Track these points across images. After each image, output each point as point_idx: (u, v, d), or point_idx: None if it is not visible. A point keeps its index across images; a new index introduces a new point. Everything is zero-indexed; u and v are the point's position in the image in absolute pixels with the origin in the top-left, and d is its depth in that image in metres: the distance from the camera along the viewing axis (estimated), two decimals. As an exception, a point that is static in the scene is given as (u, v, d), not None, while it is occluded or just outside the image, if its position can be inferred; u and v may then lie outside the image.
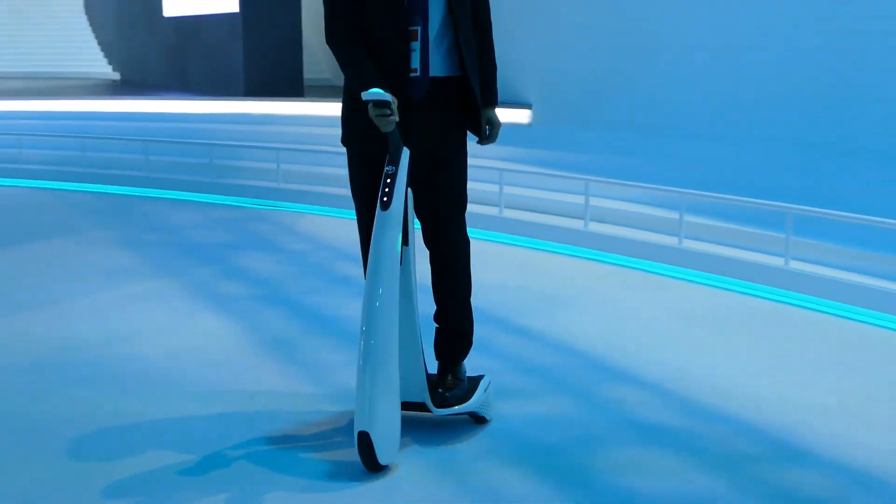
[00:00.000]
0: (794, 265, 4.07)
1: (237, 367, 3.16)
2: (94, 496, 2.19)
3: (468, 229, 2.56)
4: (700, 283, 4.38)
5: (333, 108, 8.93)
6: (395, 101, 2.16)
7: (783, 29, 5.43)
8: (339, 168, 6.23)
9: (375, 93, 2.14)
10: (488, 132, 2.50)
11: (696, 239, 4.65)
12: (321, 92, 10.09)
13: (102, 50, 13.97)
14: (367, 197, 2.35)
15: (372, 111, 2.15)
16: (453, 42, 2.37)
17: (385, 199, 2.22)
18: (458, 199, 2.51)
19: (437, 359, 2.55)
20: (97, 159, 7.78)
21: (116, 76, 13.83)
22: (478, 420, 2.52)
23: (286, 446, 2.50)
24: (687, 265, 4.48)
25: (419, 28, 2.33)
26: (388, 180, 2.23)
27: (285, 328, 3.66)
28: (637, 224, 5.04)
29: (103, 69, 13.69)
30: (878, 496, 2.23)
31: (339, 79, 13.80)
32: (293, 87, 9.71)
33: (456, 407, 2.39)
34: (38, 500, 2.16)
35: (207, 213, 6.38)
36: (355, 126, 2.33)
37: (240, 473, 2.32)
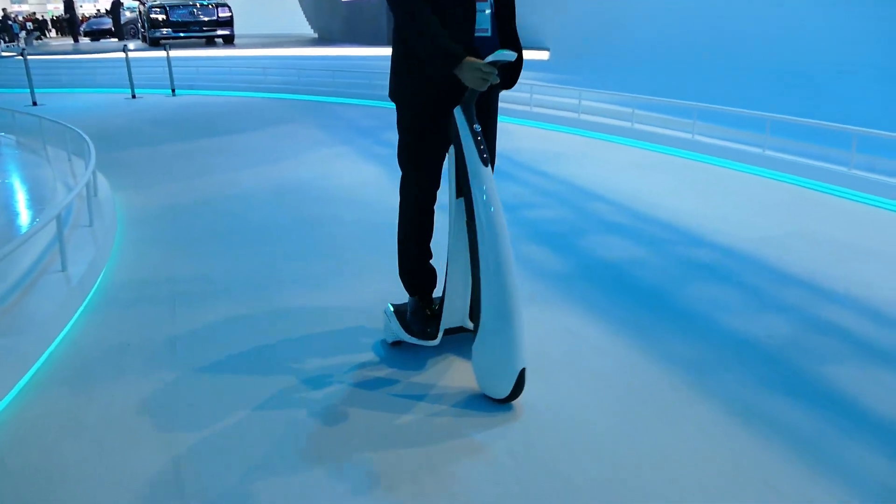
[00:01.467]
0: (698, 138, 6.24)
1: (383, 191, 4.84)
2: (317, 245, 3.94)
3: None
4: (645, 149, 6.40)
5: None
6: None
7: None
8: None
9: (503, 53, 2.06)
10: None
11: (645, 123, 6.92)
12: None
13: (307, 20, 20.02)
14: (435, 147, 2.35)
15: (485, 71, 2.07)
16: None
17: (485, 155, 2.15)
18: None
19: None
20: (306, 80, 10.95)
21: (316, 35, 19.38)
22: None
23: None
24: (638, 138, 6.73)
25: None
26: (480, 138, 2.16)
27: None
28: (609, 115, 7.41)
29: (308, 31, 19.73)
30: (742, 264, 3.50)
31: None
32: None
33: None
34: (293, 242, 4.14)
35: (366, 111, 8.96)
36: (420, 84, 2.27)
37: (383, 240, 3.93)
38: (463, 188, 2.23)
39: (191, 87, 11.54)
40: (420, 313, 2.60)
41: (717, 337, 2.76)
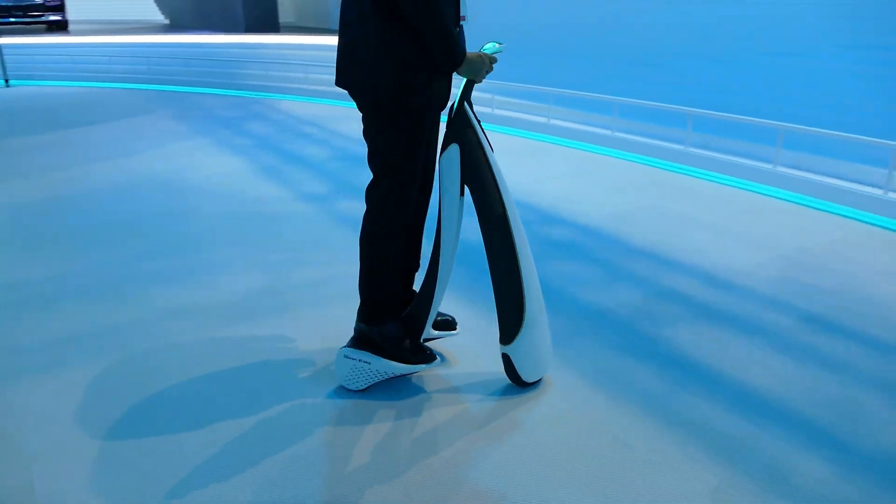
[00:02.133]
0: (554, 121, 6.44)
1: (246, 183, 4.79)
2: (175, 240, 3.81)
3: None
4: (504, 133, 6.45)
5: (300, 39, 12.32)
6: None
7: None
8: (298, 73, 8.85)
9: (495, 46, 2.09)
10: None
11: (504, 109, 7.01)
12: (288, 29, 14.51)
13: (157, 4, 19.15)
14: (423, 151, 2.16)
15: (487, 64, 2.07)
16: None
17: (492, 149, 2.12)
18: None
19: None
20: (158, 69, 10.43)
21: (167, 21, 18.54)
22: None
23: (276, 219, 4.23)
24: (497, 123, 6.75)
25: None
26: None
27: (273, 162, 5.44)
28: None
29: (158, 16, 18.83)
30: (596, 240, 3.74)
31: (301, 20, 17.38)
32: (271, 25, 13.92)
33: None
34: (147, 238, 3.99)
35: (225, 100, 8.61)
36: (432, 86, 2.05)
37: (244, 232, 4.04)
38: (474, 183, 2.15)
39: (28, 77, 10.62)
40: (404, 335, 2.32)
41: (574, 309, 2.94)
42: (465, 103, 2.12)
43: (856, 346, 2.65)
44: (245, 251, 3.57)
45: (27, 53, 11.31)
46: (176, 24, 17.76)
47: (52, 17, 15.25)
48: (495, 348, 2.36)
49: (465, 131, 2.13)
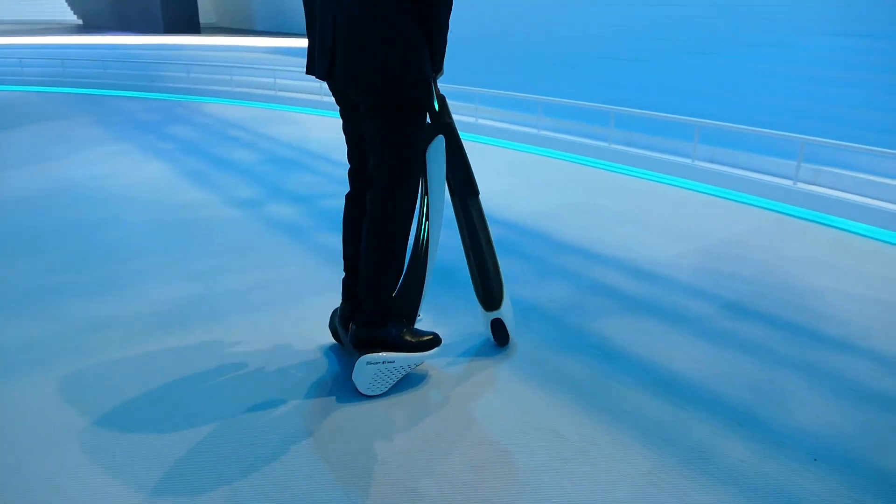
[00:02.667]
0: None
1: (171, 189, 4.71)
2: (96, 250, 3.64)
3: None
4: (490, 144, 6.51)
5: (222, 40, 12.33)
6: None
7: None
8: (222, 74, 8.80)
9: None
10: None
11: (488, 118, 6.90)
12: (209, 30, 14.43)
13: (68, 3, 18.31)
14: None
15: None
16: None
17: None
18: None
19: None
20: (73, 72, 10.01)
21: (80, 21, 17.65)
22: None
23: (204, 225, 4.10)
24: (482, 133, 6.72)
25: None
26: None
27: (198, 166, 5.34)
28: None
29: (70, 16, 18.01)
30: (525, 237, 3.81)
31: (222, 20, 17.16)
32: (192, 25, 13.73)
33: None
34: (70, 257, 3.80)
35: (146, 104, 8.41)
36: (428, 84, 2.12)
37: (170, 240, 3.97)
38: (455, 167, 2.39)
39: (-73, 82, 10.05)
40: (405, 327, 2.32)
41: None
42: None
43: (772, 330, 2.79)
44: (170, 259, 3.47)
45: (-74, 56, 10.69)
46: (89, 25, 17.06)
47: None
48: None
49: (450, 122, 2.33)
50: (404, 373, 2.34)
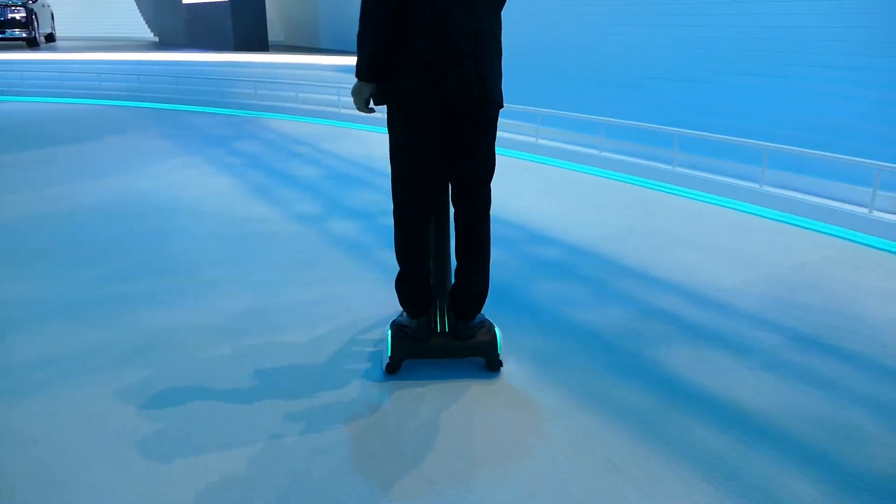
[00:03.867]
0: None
1: (236, 203, 4.79)
2: (163, 260, 3.77)
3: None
4: (551, 165, 6.47)
5: (290, 58, 12.45)
6: None
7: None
8: (289, 92, 8.97)
9: None
10: None
11: (549, 138, 6.82)
12: (277, 48, 14.79)
13: (146, 22, 19.44)
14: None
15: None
16: None
17: None
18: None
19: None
20: (148, 87, 10.40)
21: (156, 39, 18.67)
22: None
23: (267, 239, 4.19)
24: (543, 154, 6.67)
25: None
26: None
27: (262, 180, 5.44)
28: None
29: (147, 34, 18.95)
30: (585, 259, 3.76)
31: (290, 39, 17.24)
32: (261, 44, 14.08)
33: None
34: (143, 257, 3.93)
35: (215, 119, 8.65)
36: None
37: (234, 252, 4.06)
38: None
39: (15, 94, 10.59)
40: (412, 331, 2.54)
41: (564, 329, 2.93)
42: None
43: (845, 364, 2.66)
44: (234, 272, 3.55)
45: (16, 69, 11.26)
46: (165, 42, 17.75)
47: (20, 34, 14.80)
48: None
49: None
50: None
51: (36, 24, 15.31)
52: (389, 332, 2.50)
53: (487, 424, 2.25)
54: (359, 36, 2.24)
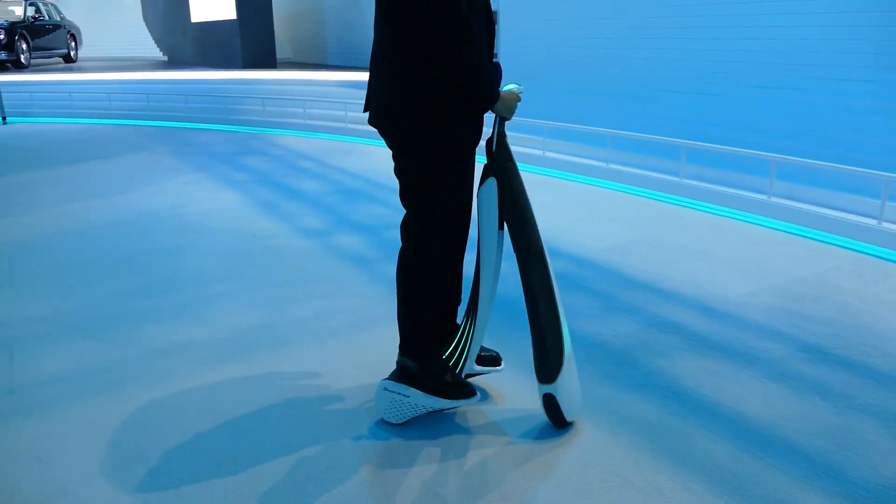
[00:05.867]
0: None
1: (243, 219, 4.80)
2: (172, 276, 3.78)
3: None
4: (557, 177, 6.52)
5: (297, 75, 12.46)
6: None
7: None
8: (296, 108, 9.01)
9: (517, 85, 2.23)
10: None
11: (555, 151, 6.83)
12: (286, 65, 15.02)
13: (155, 41, 19.49)
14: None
15: (516, 100, 2.17)
16: None
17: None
18: None
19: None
20: (156, 106, 10.48)
21: (165, 58, 18.73)
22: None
23: (273, 254, 4.23)
24: (549, 166, 6.67)
25: None
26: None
27: (269, 196, 5.46)
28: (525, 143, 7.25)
29: (156, 53, 19.03)
30: (592, 271, 3.75)
31: (297, 56, 17.22)
32: (269, 61, 14.20)
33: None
34: (149, 274, 4.00)
35: (223, 136, 8.70)
36: (468, 125, 2.11)
37: (241, 268, 4.11)
38: (513, 218, 2.19)
39: (25, 115, 10.71)
40: (445, 370, 2.29)
41: (572, 341, 2.92)
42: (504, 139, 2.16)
43: (852, 375, 2.65)
44: (241, 287, 3.57)
45: (25, 91, 11.40)
46: (174, 61, 17.93)
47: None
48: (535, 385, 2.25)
49: (506, 165, 2.17)
50: (421, 412, 2.27)
51: (22, 45, 15.22)
52: (412, 390, 2.25)
53: (494, 439, 2.24)
54: (468, 61, 1.96)
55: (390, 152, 2.21)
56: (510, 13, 9.09)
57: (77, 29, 17.95)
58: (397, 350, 2.34)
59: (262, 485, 2.00)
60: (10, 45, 14.83)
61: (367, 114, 2.22)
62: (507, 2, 9.13)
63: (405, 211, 2.23)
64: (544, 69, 8.60)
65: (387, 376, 2.31)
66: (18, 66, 15.24)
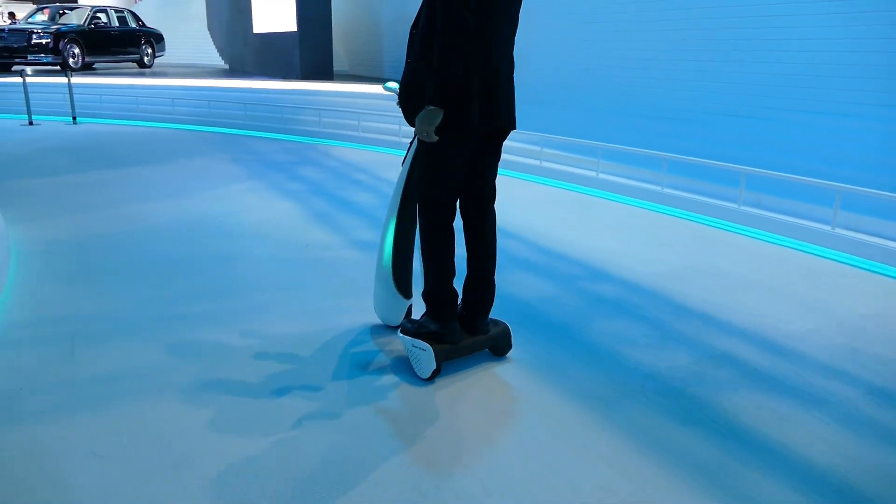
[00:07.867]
0: (602, 176, 6.16)
1: (297, 228, 4.84)
2: (224, 282, 3.83)
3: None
4: (552, 186, 6.47)
5: (353, 87, 12.65)
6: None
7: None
8: (351, 120, 9.06)
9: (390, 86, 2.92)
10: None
11: (552, 161, 6.97)
12: (342, 77, 15.25)
13: (218, 50, 20.21)
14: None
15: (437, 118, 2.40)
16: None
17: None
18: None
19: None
20: (217, 112, 10.75)
21: (226, 66, 19.37)
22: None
23: (325, 265, 4.26)
24: (546, 176, 6.82)
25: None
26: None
27: (323, 207, 5.51)
28: (518, 153, 7.40)
29: (219, 61, 19.81)
30: (645, 298, 3.65)
31: (354, 69, 17.18)
32: (326, 73, 14.49)
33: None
34: (201, 276, 4.06)
35: (279, 145, 8.85)
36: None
37: (301, 275, 4.16)
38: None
39: (94, 116, 11.11)
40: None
41: (623, 371, 2.86)
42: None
43: (923, 422, 2.51)
44: (292, 296, 3.59)
45: (95, 93, 11.81)
46: (234, 70, 18.38)
47: (46, 59, 14.82)
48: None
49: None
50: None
51: (74, 49, 15.48)
52: (419, 341, 2.66)
53: (543, 463, 2.19)
54: (440, 63, 2.31)
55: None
56: (556, 37, 9.08)
57: (157, 36, 18.49)
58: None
59: (310, 491, 1.99)
60: (55, 50, 15.15)
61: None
62: (557, 26, 9.11)
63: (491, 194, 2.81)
64: (597, 93, 8.51)
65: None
66: (65, 69, 15.56)
